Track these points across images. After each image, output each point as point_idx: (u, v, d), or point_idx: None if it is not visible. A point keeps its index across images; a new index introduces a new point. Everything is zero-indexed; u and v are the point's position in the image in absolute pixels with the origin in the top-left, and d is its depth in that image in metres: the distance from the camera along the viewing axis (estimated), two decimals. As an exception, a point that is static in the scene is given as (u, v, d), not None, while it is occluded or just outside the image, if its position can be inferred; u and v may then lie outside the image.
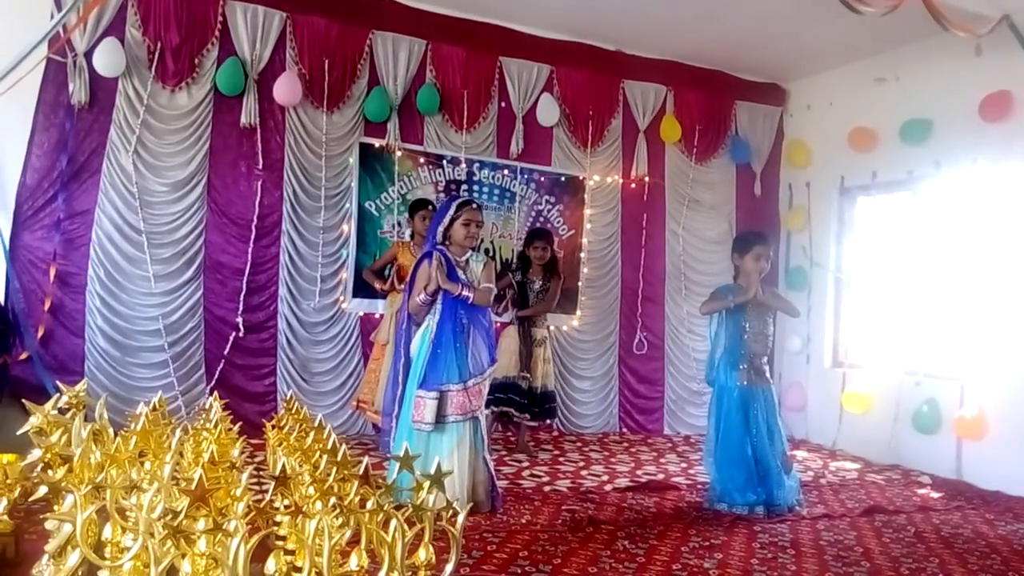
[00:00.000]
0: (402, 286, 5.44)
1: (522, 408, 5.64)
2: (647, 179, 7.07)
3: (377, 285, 5.66)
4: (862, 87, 6.69)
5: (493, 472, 4.12)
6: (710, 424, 4.59)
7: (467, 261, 4.16)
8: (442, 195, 6.30)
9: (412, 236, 5.60)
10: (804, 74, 7.30)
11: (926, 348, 6.15)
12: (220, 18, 5.59)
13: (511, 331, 5.76)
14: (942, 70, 5.96)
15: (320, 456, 1.89)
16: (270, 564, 1.54)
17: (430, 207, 5.47)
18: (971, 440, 5.62)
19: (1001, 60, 5.40)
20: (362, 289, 6.03)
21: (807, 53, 6.73)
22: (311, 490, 1.92)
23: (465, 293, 3.99)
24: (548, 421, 6.12)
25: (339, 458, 1.82)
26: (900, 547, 3.85)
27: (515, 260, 6.30)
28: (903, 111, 6.27)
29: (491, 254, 6.57)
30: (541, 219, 6.70)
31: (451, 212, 4.10)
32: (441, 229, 4.11)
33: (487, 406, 5.31)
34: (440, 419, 3.89)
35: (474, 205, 4.18)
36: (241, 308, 5.65)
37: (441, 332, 3.98)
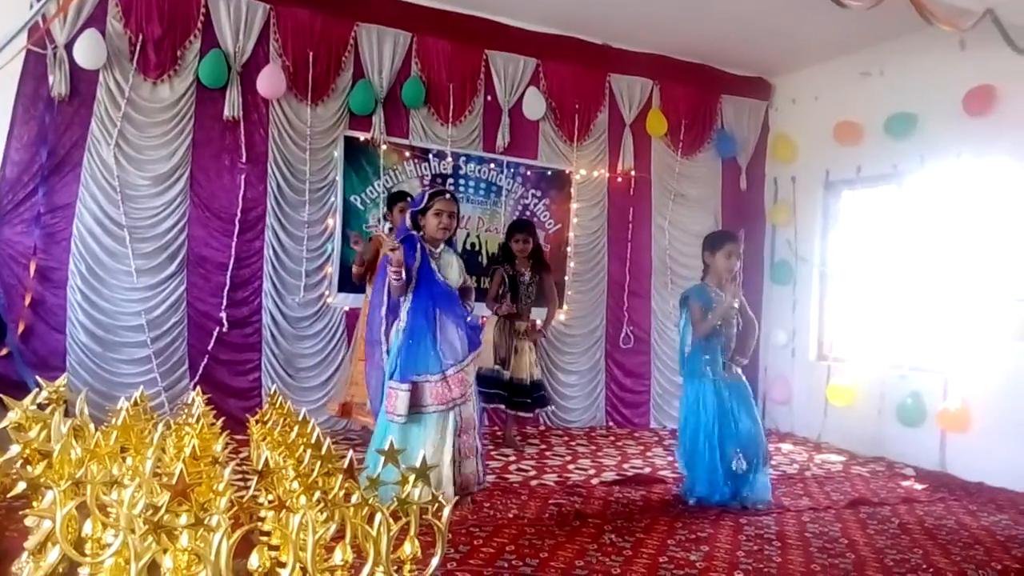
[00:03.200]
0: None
1: (511, 403, 5.62)
2: (633, 173, 7.07)
3: (355, 270, 5.46)
4: (847, 81, 6.72)
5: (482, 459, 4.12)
6: (680, 419, 4.64)
7: (440, 254, 4.08)
8: (427, 189, 6.27)
9: (391, 229, 5.50)
10: (790, 68, 7.31)
11: (910, 341, 6.19)
12: (203, 10, 5.52)
13: (491, 323, 5.71)
14: (927, 64, 5.99)
15: (304, 450, 1.87)
16: (254, 560, 1.52)
17: (408, 199, 5.34)
18: (955, 432, 5.67)
19: (985, 54, 5.43)
20: (347, 284, 5.99)
21: (793, 47, 6.75)
22: (295, 485, 1.89)
23: (393, 262, 3.81)
24: (543, 409, 6.08)
25: (323, 452, 1.80)
26: (884, 538, 3.88)
27: (498, 253, 6.25)
28: (888, 105, 6.30)
29: (477, 248, 6.54)
30: (527, 213, 6.68)
31: (424, 201, 4.03)
32: (416, 217, 4.05)
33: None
34: (418, 410, 3.82)
35: (447, 195, 4.07)
36: (225, 303, 5.60)
37: (413, 323, 3.90)
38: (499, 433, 5.95)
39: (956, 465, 5.61)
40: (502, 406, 5.65)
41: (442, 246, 4.12)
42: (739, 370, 4.56)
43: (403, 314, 3.93)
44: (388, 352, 3.94)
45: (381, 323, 4.00)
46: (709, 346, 4.49)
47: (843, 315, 7.02)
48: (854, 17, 5.81)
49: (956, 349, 5.77)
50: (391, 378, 3.86)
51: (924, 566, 3.44)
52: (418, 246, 3.95)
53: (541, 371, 6.01)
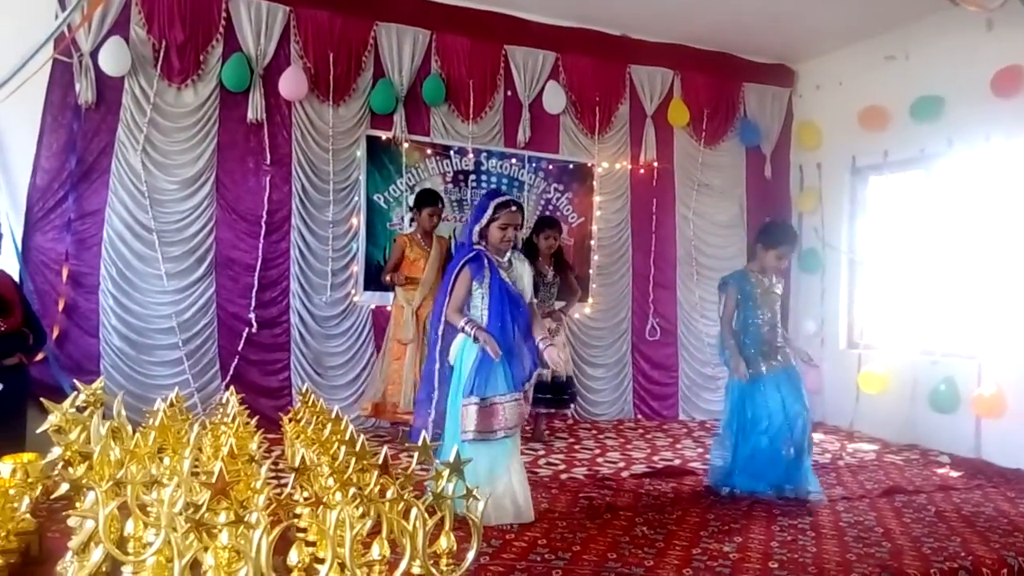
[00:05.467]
0: (412, 284, 5.34)
1: (551, 402, 5.64)
2: (656, 164, 7.03)
3: (390, 279, 5.48)
4: (872, 66, 6.62)
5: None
6: (726, 407, 4.53)
7: (509, 262, 3.82)
8: (450, 186, 6.29)
9: (411, 224, 5.53)
10: (813, 54, 7.22)
11: (942, 327, 6.10)
12: (224, 14, 5.58)
13: None
14: (953, 46, 5.88)
15: (338, 447, 1.89)
16: (292, 556, 1.54)
17: (440, 204, 5.46)
18: (990, 418, 5.57)
19: (1012, 34, 5.32)
20: (373, 282, 6.03)
21: (815, 33, 6.66)
22: (330, 481, 1.91)
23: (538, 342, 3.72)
24: (566, 409, 6.06)
25: (358, 448, 1.82)
26: (921, 527, 3.83)
27: (521, 248, 6.21)
28: (914, 89, 6.20)
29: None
30: (550, 207, 6.67)
31: (488, 213, 3.74)
32: (477, 229, 3.77)
33: None
34: (491, 431, 3.61)
35: (513, 207, 3.77)
36: (253, 304, 5.67)
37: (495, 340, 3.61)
38: (527, 428, 5.92)
39: (992, 451, 5.52)
40: (543, 408, 5.65)
41: (508, 253, 3.85)
42: (788, 353, 4.44)
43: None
44: (452, 369, 3.75)
45: (437, 341, 3.83)
46: (749, 332, 4.39)
47: (873, 302, 6.93)
48: (877, 0, 5.75)
49: (989, 333, 5.67)
50: (469, 394, 3.61)
51: (963, 554, 3.39)
52: (485, 261, 3.71)
53: (572, 368, 6.02)
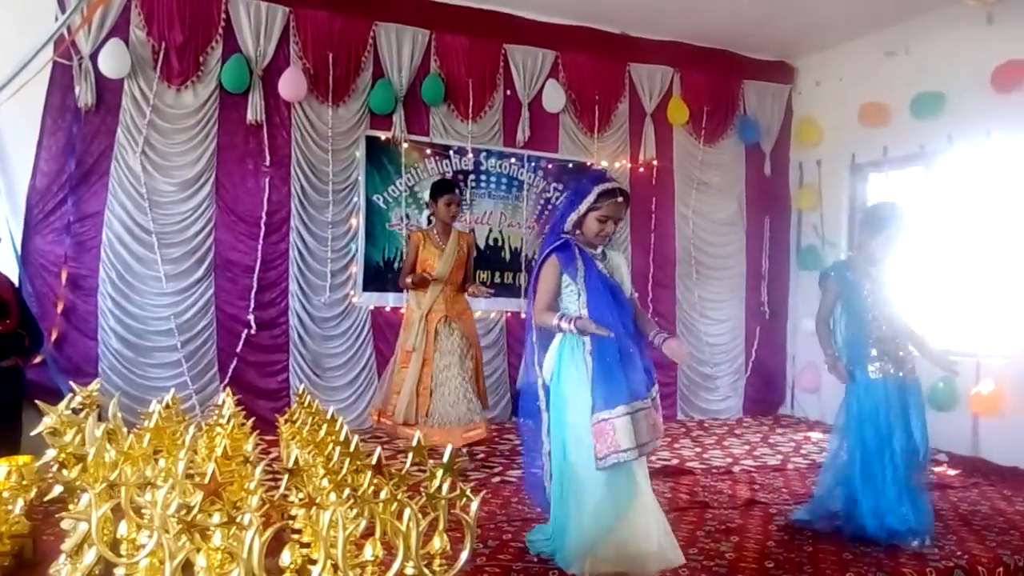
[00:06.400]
0: (427, 286, 4.66)
1: None
2: (655, 162, 7.03)
3: (410, 280, 4.78)
4: (871, 62, 6.61)
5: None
6: (839, 429, 3.76)
7: (603, 253, 3.24)
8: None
9: (429, 221, 5.03)
10: (812, 50, 7.21)
11: (941, 324, 6.08)
12: (223, 15, 5.58)
13: None
14: (952, 41, 5.88)
15: (333, 448, 1.89)
16: (285, 557, 1.54)
17: (458, 192, 4.92)
18: (987, 416, 5.57)
19: (1013, 28, 5.31)
20: (372, 283, 6.04)
21: (814, 29, 6.65)
22: (325, 482, 1.92)
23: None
24: None
25: (352, 449, 1.82)
26: (919, 525, 3.82)
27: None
28: (914, 85, 6.19)
29: (500, 244, 6.54)
30: (550, 207, 6.67)
31: (590, 200, 3.12)
32: (575, 217, 3.15)
33: None
34: (618, 452, 2.91)
35: (620, 197, 3.16)
36: (252, 305, 5.68)
37: (603, 341, 2.98)
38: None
39: (989, 450, 5.52)
40: None
41: (601, 246, 3.24)
42: (912, 365, 3.68)
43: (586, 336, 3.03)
44: (549, 387, 3.15)
45: (534, 352, 3.24)
46: (871, 334, 3.63)
47: (872, 300, 6.91)
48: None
49: (988, 332, 5.67)
50: (600, 407, 2.94)
51: (959, 553, 3.39)
52: (576, 251, 3.14)
53: None
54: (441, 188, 4.88)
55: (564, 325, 3.02)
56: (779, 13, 6.30)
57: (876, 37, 6.54)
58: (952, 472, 5.13)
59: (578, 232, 3.20)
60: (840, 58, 7.01)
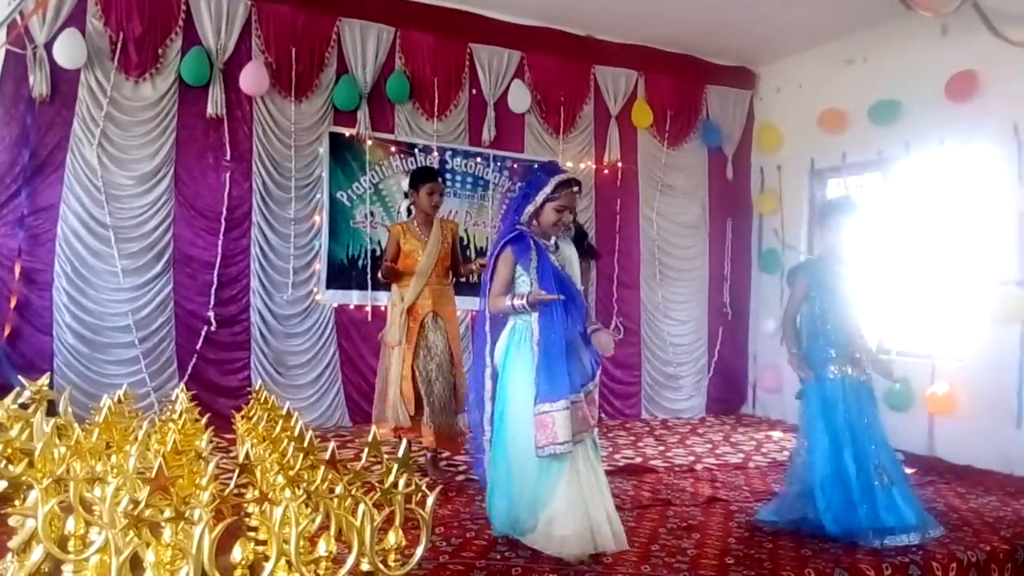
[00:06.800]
0: (409, 280, 4.48)
1: None
2: (620, 165, 7.07)
3: (380, 275, 4.82)
4: (831, 69, 6.73)
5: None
6: (803, 429, 3.79)
7: (556, 244, 3.34)
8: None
9: (409, 212, 4.89)
10: (774, 57, 7.32)
11: (897, 327, 6.21)
12: (183, 7, 5.50)
13: None
14: (910, 50, 6.00)
15: (287, 444, 1.87)
16: (237, 553, 1.52)
17: (440, 180, 4.71)
18: (942, 416, 5.70)
19: (967, 40, 5.44)
20: (336, 280, 5.98)
21: (776, 36, 6.75)
22: (281, 479, 1.89)
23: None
24: None
25: (306, 444, 1.80)
26: (874, 522, 3.89)
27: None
28: (872, 92, 6.31)
29: (465, 243, 6.52)
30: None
31: (547, 191, 3.21)
32: (531, 208, 3.24)
33: None
34: (562, 440, 3.09)
35: (575, 187, 3.25)
36: (212, 302, 5.59)
37: (548, 329, 3.15)
38: None
39: (944, 449, 5.65)
40: None
41: (554, 237, 3.35)
42: (864, 367, 3.73)
43: (533, 322, 3.19)
44: (499, 373, 3.28)
45: (486, 339, 3.36)
46: (828, 334, 3.70)
47: (831, 302, 7.03)
48: (837, 5, 5.84)
49: (942, 334, 5.80)
50: (541, 399, 3.10)
51: (914, 549, 3.46)
52: (531, 242, 3.24)
53: None
54: (423, 176, 4.64)
55: (517, 303, 3.15)
56: (742, 20, 6.38)
57: (835, 45, 6.66)
58: (909, 471, 5.22)
59: (534, 223, 3.27)
60: (800, 65, 7.13)
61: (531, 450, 3.10)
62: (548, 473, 3.11)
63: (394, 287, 4.63)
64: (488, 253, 3.50)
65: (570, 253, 3.38)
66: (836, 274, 3.77)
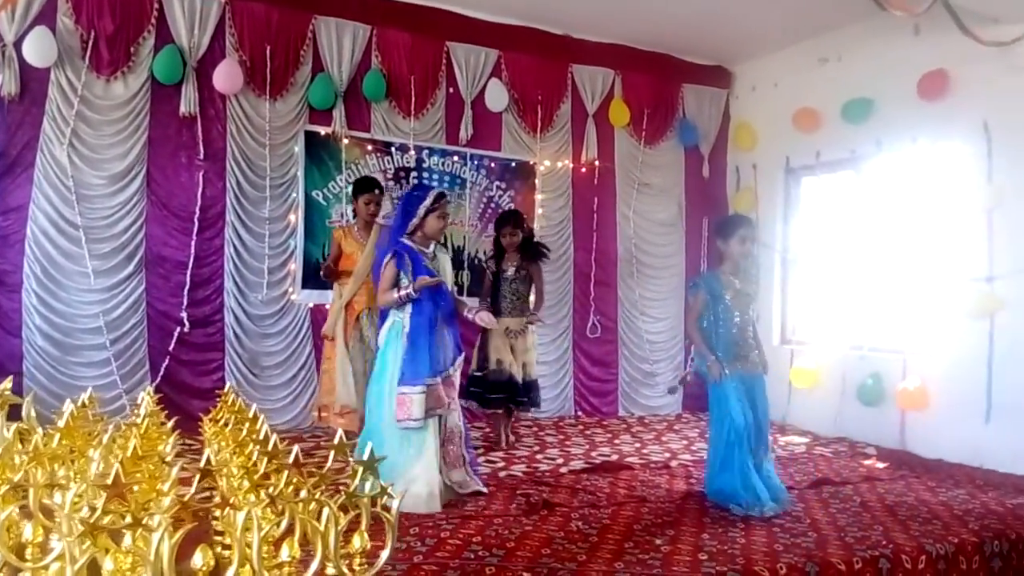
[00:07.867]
0: (347, 279, 4.98)
1: (512, 402, 5.49)
2: (597, 163, 7.09)
3: (323, 271, 5.23)
4: (805, 68, 6.78)
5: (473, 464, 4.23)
6: (711, 420, 4.29)
7: (434, 254, 4.09)
8: (391, 183, 6.22)
9: (355, 216, 5.31)
10: (749, 56, 7.36)
11: (870, 323, 6.29)
12: (156, 5, 5.43)
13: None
14: (882, 49, 6.06)
15: (252, 447, 1.85)
16: (197, 559, 1.50)
17: (376, 191, 5.14)
18: (914, 411, 5.77)
19: (938, 39, 5.49)
20: (311, 280, 5.94)
21: (751, 35, 6.79)
22: (246, 483, 1.87)
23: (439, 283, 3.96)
24: (531, 410, 5.83)
25: (270, 448, 1.78)
26: (846, 517, 3.94)
27: (490, 250, 5.91)
28: (845, 91, 6.37)
29: (443, 242, 6.49)
30: (492, 205, 6.67)
31: (427, 203, 3.96)
32: (416, 221, 3.97)
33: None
34: (418, 416, 3.81)
35: (448, 198, 4.15)
36: (185, 302, 5.54)
37: (416, 326, 3.88)
38: (492, 436, 5.69)
39: (916, 443, 5.72)
40: (500, 409, 5.48)
41: (433, 245, 4.10)
42: (756, 360, 4.27)
43: (405, 318, 3.92)
44: (378, 356, 4.01)
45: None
46: (721, 337, 4.22)
47: (805, 299, 7.11)
48: (811, 4, 5.88)
49: (914, 329, 5.88)
50: (403, 383, 3.81)
51: (884, 542, 3.50)
52: (407, 256, 3.92)
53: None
54: (360, 187, 5.20)
55: (403, 293, 3.88)
56: (718, 19, 6.41)
57: (810, 44, 6.71)
58: (880, 465, 5.30)
59: (419, 234, 3.97)
60: (775, 64, 7.18)
61: (393, 421, 3.80)
62: (408, 444, 3.80)
63: (335, 285, 5.19)
64: (375, 261, 4.22)
65: (444, 261, 4.13)
66: (732, 285, 4.27)
